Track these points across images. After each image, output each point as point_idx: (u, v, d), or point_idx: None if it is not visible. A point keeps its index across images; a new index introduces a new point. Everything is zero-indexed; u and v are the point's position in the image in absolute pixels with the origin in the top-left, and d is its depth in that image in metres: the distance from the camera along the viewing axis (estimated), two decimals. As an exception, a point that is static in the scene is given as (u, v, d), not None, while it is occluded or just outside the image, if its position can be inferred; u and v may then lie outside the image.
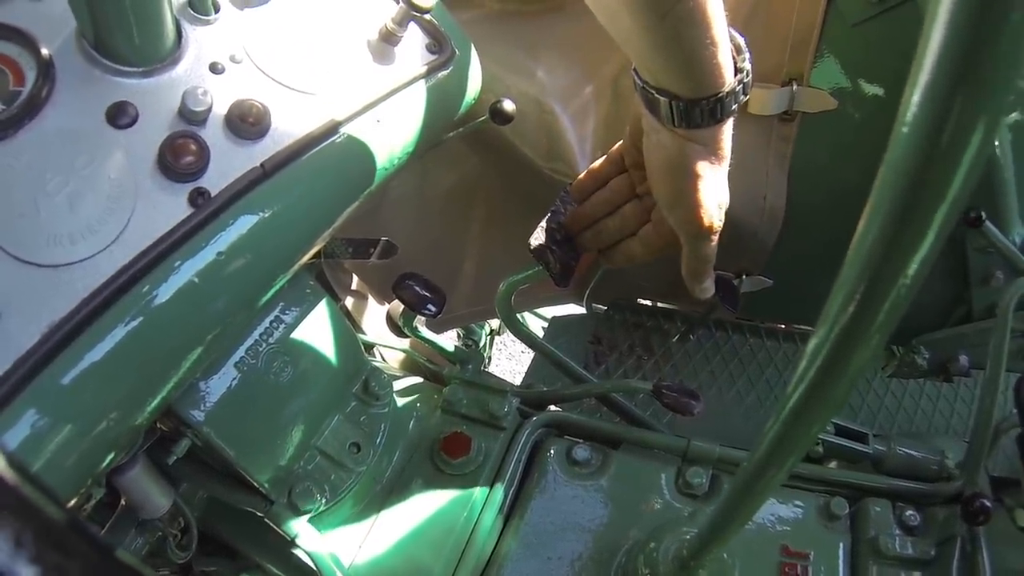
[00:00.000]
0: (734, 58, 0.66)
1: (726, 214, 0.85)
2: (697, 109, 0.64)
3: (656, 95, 0.65)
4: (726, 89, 0.64)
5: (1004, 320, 0.80)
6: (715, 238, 0.74)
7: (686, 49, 0.61)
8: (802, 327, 1.24)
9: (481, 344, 1.43)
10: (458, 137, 0.82)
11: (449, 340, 0.91)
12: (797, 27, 0.84)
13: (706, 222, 0.70)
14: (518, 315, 0.90)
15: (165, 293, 0.48)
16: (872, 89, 0.86)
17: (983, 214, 0.88)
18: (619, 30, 0.62)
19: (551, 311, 1.33)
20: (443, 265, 1.10)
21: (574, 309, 1.24)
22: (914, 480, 0.82)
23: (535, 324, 1.52)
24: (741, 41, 0.67)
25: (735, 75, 0.65)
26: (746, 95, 0.67)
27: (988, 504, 0.70)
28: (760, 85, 0.87)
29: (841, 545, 0.76)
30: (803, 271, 1.02)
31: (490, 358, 1.62)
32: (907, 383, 1.18)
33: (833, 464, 0.87)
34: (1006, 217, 0.92)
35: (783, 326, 1.24)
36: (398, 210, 1.03)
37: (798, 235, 0.98)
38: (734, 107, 0.66)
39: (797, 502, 0.79)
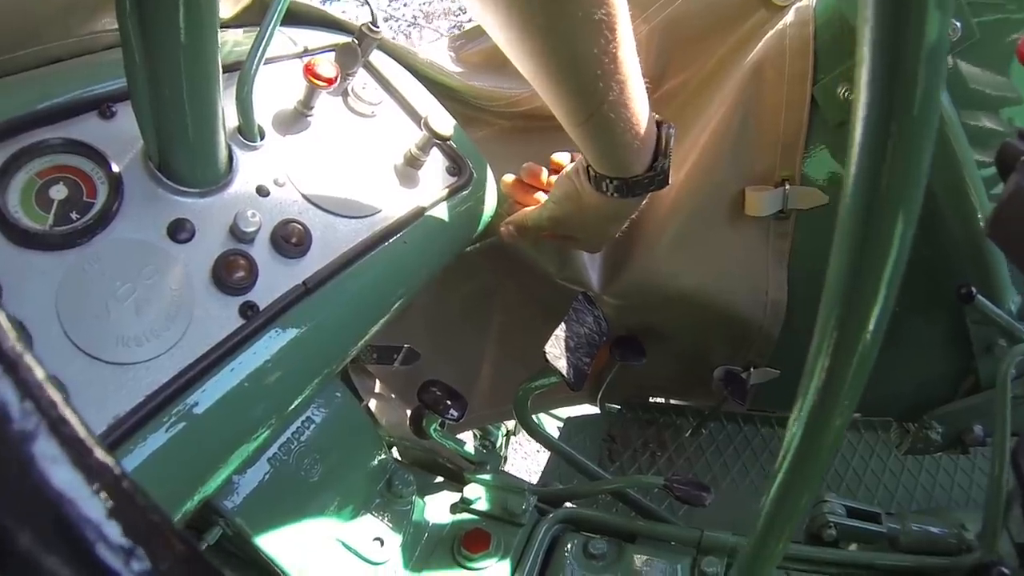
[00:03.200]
0: (661, 148, 0.75)
1: (731, 311, 0.91)
2: (605, 181, 0.76)
3: (592, 174, 0.76)
4: (639, 175, 0.75)
5: (1004, 387, 0.83)
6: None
7: (601, 145, 0.72)
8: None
9: (498, 444, 1.46)
10: (477, 248, 0.89)
11: (467, 439, 0.95)
12: (785, 132, 0.91)
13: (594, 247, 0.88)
14: (534, 415, 0.93)
15: (217, 395, 0.53)
16: None
17: (973, 289, 0.93)
18: (561, 116, 0.71)
19: (566, 411, 1.36)
20: (462, 368, 1.14)
21: (588, 409, 1.27)
22: (934, 555, 0.83)
23: (550, 424, 1.55)
24: (670, 135, 0.76)
25: (648, 171, 0.75)
26: (658, 187, 0.78)
27: (1007, 571, 0.73)
28: (756, 188, 0.94)
29: None
30: (805, 355, 1.06)
31: (506, 458, 1.64)
32: (923, 459, 1.20)
33: (853, 547, 0.88)
34: (999, 287, 0.97)
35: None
36: (419, 317, 1.08)
37: (801, 325, 1.01)
38: (641, 193, 0.77)
39: None
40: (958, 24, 0.82)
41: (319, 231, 0.63)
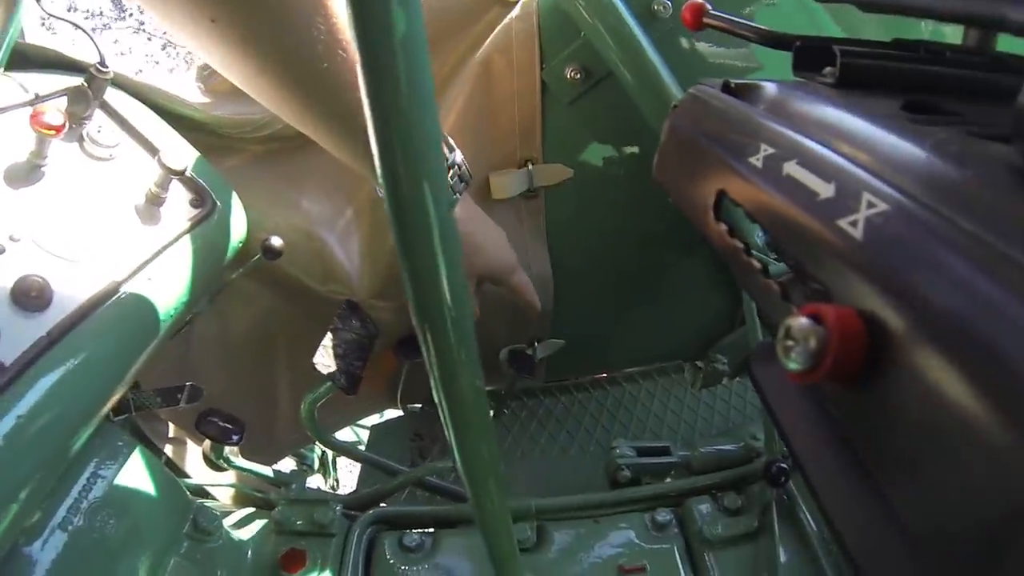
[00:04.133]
0: (445, 156, 0.78)
1: (499, 293, 0.97)
2: None
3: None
4: None
5: (749, 309, 0.94)
6: (514, 274, 0.90)
7: None
8: (605, 373, 1.36)
9: (315, 465, 1.45)
10: (246, 276, 0.89)
11: (285, 466, 0.95)
12: (520, 116, 0.97)
13: (496, 268, 0.87)
14: (348, 428, 0.93)
15: (-28, 462, 0.51)
16: (598, 150, 1.01)
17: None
18: (338, 153, 0.72)
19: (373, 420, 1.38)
20: (259, 398, 1.13)
21: (395, 413, 1.30)
22: (728, 469, 0.91)
23: (364, 435, 1.56)
24: (449, 140, 0.80)
25: (448, 171, 0.78)
26: (465, 182, 0.80)
27: (784, 465, 0.81)
28: (499, 173, 1.00)
29: (675, 548, 0.83)
30: (587, 321, 1.14)
31: (338, 480, 1.64)
32: (716, 389, 1.31)
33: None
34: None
35: (589, 377, 1.35)
36: (205, 355, 1.06)
37: (572, 291, 1.09)
38: (455, 196, 0.79)
39: (623, 525, 0.87)
40: (668, 3, 0.91)
41: (60, 281, 0.62)
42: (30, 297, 0.59)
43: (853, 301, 0.32)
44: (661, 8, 0.91)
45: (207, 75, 1.03)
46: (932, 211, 0.30)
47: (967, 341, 0.26)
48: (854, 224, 0.33)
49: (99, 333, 0.62)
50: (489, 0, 0.96)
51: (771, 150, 0.42)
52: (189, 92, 0.98)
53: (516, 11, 0.96)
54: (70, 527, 0.68)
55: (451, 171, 0.78)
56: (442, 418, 0.36)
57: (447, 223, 0.28)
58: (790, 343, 0.31)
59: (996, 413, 0.24)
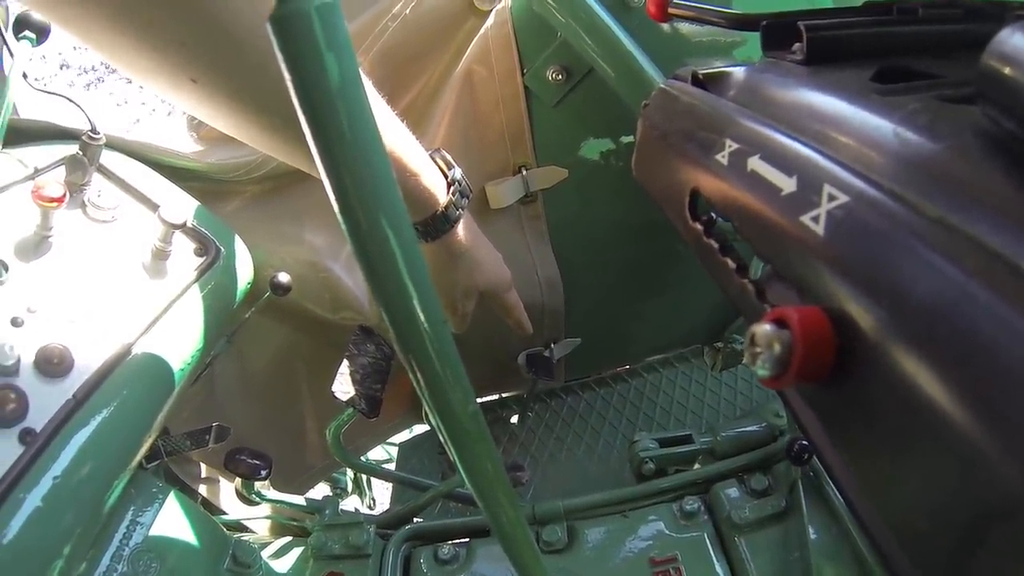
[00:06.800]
0: (444, 174, 0.79)
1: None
2: (423, 228, 0.78)
3: None
4: (443, 204, 0.77)
5: None
6: (508, 292, 0.91)
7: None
8: (626, 366, 1.36)
9: (349, 488, 1.48)
10: (260, 313, 0.92)
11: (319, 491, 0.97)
12: (507, 123, 0.98)
13: (493, 284, 0.88)
14: (380, 448, 0.94)
15: (17, 523, 0.54)
16: (590, 147, 1.02)
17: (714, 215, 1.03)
18: None
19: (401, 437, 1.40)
20: (287, 429, 1.16)
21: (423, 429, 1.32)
22: (752, 451, 0.91)
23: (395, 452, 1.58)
24: (447, 157, 0.80)
25: (448, 189, 0.78)
26: (467, 197, 0.81)
27: (806, 443, 0.80)
28: (494, 182, 1.01)
29: (705, 536, 0.84)
30: (600, 316, 1.15)
31: (374, 499, 1.66)
32: (737, 370, 1.31)
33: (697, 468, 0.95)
34: None
35: (610, 372, 1.36)
36: (229, 394, 1.09)
37: (582, 288, 1.10)
38: (458, 212, 0.79)
39: (652, 517, 0.87)
40: None
41: (80, 346, 0.65)
42: (52, 364, 0.62)
43: (820, 300, 0.32)
44: None
45: (197, 123, 1.06)
46: (896, 198, 0.29)
47: (934, 335, 0.25)
48: (816, 219, 0.32)
49: (121, 390, 0.66)
50: (465, 11, 0.98)
51: (735, 145, 0.41)
52: (181, 141, 1.00)
53: (490, 20, 0.97)
54: (115, 574, 0.71)
55: (452, 188, 0.79)
56: (441, 440, 0.37)
57: (410, 251, 0.29)
58: (757, 350, 0.31)
59: (967, 408, 0.24)
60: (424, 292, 0.31)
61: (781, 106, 0.42)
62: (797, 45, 0.48)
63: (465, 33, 0.99)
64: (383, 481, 1.40)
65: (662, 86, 0.57)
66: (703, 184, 0.45)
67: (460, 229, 0.81)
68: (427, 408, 0.35)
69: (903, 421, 0.27)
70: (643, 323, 1.23)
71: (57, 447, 0.59)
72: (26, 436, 0.58)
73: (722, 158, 0.42)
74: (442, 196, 0.78)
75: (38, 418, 0.60)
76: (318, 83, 0.26)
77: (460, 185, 0.80)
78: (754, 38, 0.94)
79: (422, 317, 0.31)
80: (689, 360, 1.38)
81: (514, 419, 1.28)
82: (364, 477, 1.57)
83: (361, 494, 1.57)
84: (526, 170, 1.01)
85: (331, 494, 1.37)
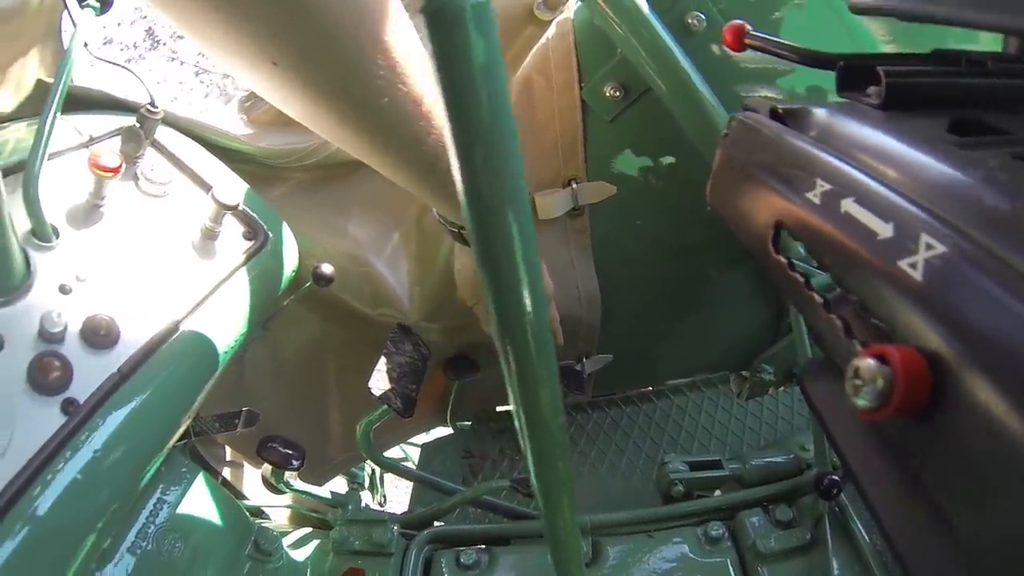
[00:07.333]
0: None
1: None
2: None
3: (446, 225, 0.78)
4: None
5: (797, 321, 0.92)
6: (549, 304, 0.88)
7: (453, 193, 0.73)
8: (652, 386, 1.35)
9: (365, 484, 1.47)
10: (296, 301, 0.91)
11: (336, 484, 0.96)
12: (562, 134, 0.97)
13: None
14: (398, 449, 0.94)
15: (53, 495, 0.53)
16: (640, 165, 1.01)
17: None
18: (403, 183, 0.73)
19: (424, 438, 1.39)
20: (310, 420, 1.16)
21: (445, 431, 1.31)
22: (779, 481, 0.91)
23: (414, 453, 1.57)
24: None
25: None
26: None
27: (836, 478, 0.80)
28: (544, 193, 1.00)
29: (728, 561, 0.83)
30: (633, 335, 1.14)
31: (385, 496, 1.65)
32: (763, 400, 1.30)
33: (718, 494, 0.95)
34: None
35: (637, 391, 1.35)
36: (257, 380, 1.08)
37: (620, 306, 1.09)
38: None
39: (677, 539, 0.86)
40: (701, 15, 0.91)
41: (127, 318, 0.65)
42: (99, 335, 0.62)
43: (915, 340, 0.33)
44: (695, 22, 0.91)
45: (248, 106, 1.05)
46: (988, 252, 0.30)
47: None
48: (914, 266, 0.33)
49: (167, 367, 0.65)
50: (524, 19, 0.97)
51: (827, 186, 0.42)
52: (232, 123, 1.00)
53: (551, 30, 0.96)
54: (139, 551, 0.70)
55: None
56: (520, 434, 0.37)
57: (529, 245, 0.29)
58: (858, 383, 0.32)
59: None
60: (535, 288, 0.31)
61: (868, 151, 0.42)
62: (873, 89, 0.48)
63: (524, 40, 0.98)
64: (401, 480, 1.39)
65: (742, 117, 0.57)
66: (789, 218, 0.45)
67: None
68: (513, 400, 0.35)
69: (991, 453, 0.28)
70: (674, 344, 1.22)
71: (99, 420, 0.58)
72: (69, 406, 0.58)
73: (813, 196, 0.43)
74: None
75: (81, 389, 0.59)
76: (465, 70, 0.26)
77: None
78: (802, 70, 0.95)
79: (529, 310, 0.31)
80: (716, 386, 1.37)
81: (566, 432, 1.25)
82: (377, 473, 1.56)
83: (373, 489, 1.56)
84: (576, 183, 1.00)
85: (348, 488, 1.36)
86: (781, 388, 1.26)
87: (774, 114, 0.54)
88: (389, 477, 1.61)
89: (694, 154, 0.93)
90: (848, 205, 0.39)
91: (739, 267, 1.11)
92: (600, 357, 1.16)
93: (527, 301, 0.30)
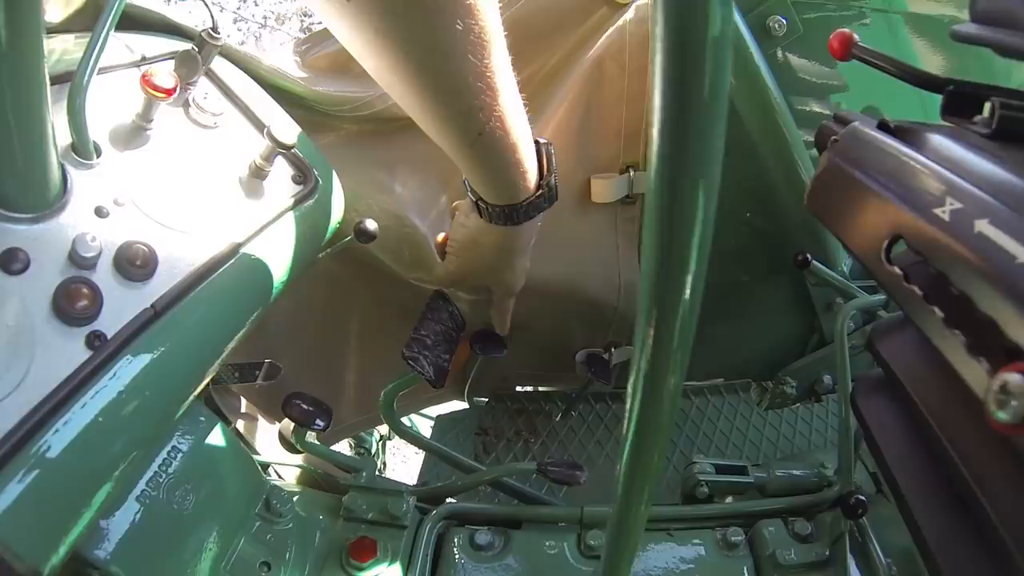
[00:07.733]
0: (543, 173, 0.77)
1: (587, 296, 0.95)
2: (499, 212, 0.77)
3: (473, 199, 0.77)
4: (523, 201, 0.76)
5: (841, 339, 0.92)
6: (513, 298, 0.91)
7: (490, 169, 0.72)
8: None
9: (373, 450, 1.44)
10: (328, 256, 0.87)
11: (341, 449, 0.93)
12: (628, 121, 0.96)
13: (512, 288, 0.89)
14: (405, 418, 0.93)
15: (71, 435, 0.49)
16: None
17: (809, 255, 1.01)
18: (443, 145, 0.71)
19: (436, 410, 1.36)
20: (326, 378, 1.13)
21: (458, 405, 1.28)
22: (799, 495, 0.91)
23: (423, 424, 1.54)
24: (552, 156, 0.78)
25: (537, 189, 0.77)
26: (550, 203, 0.79)
27: (863, 498, 0.79)
28: (601, 176, 0.98)
29: (744, 569, 0.83)
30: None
31: (385, 463, 1.63)
32: (783, 412, 1.30)
33: (729, 501, 0.95)
34: (831, 252, 1.07)
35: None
36: (278, 331, 1.05)
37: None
38: (535, 215, 0.79)
39: (696, 541, 0.86)
40: (783, 20, 0.91)
41: (164, 251, 0.60)
42: (134, 266, 0.57)
43: None
44: (776, 26, 0.91)
45: (304, 50, 1.01)
46: None
47: None
48: None
49: (202, 309, 0.61)
50: (596, 0, 0.95)
51: (958, 204, 0.43)
52: (287, 65, 0.96)
53: (631, 13, 0.94)
54: (148, 500, 0.66)
55: (541, 190, 0.77)
56: (628, 411, 0.35)
57: (707, 228, 0.28)
58: (1004, 397, 0.33)
59: None
60: (699, 272, 0.30)
61: (988, 177, 0.44)
62: (980, 117, 0.50)
63: (594, 21, 0.96)
64: (398, 448, 1.37)
65: (853, 127, 0.58)
66: (911, 232, 0.47)
67: (525, 229, 0.81)
68: (634, 376, 0.34)
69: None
70: (701, 346, 1.19)
71: (127, 359, 0.53)
72: (95, 340, 0.53)
73: (942, 213, 0.44)
74: (527, 191, 0.76)
75: (110, 322, 0.54)
76: (697, 38, 0.25)
77: (550, 190, 0.78)
78: (856, 90, 0.97)
79: (687, 295, 0.30)
80: (737, 392, 1.36)
81: (558, 416, 1.23)
82: (381, 444, 1.54)
83: (375, 457, 1.54)
84: (634, 171, 0.98)
85: (354, 453, 1.33)
86: (801, 403, 1.24)
87: (885, 128, 0.56)
88: (390, 444, 1.59)
89: (749, 158, 0.94)
90: (982, 226, 0.41)
91: (775, 278, 1.12)
92: (627, 348, 1.13)
93: (688, 284, 0.29)
